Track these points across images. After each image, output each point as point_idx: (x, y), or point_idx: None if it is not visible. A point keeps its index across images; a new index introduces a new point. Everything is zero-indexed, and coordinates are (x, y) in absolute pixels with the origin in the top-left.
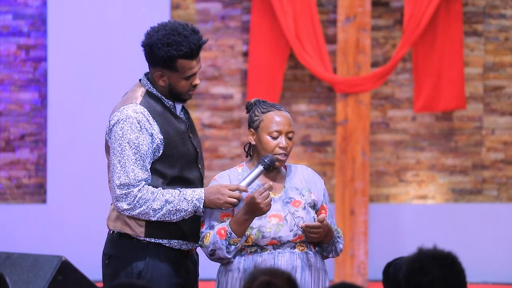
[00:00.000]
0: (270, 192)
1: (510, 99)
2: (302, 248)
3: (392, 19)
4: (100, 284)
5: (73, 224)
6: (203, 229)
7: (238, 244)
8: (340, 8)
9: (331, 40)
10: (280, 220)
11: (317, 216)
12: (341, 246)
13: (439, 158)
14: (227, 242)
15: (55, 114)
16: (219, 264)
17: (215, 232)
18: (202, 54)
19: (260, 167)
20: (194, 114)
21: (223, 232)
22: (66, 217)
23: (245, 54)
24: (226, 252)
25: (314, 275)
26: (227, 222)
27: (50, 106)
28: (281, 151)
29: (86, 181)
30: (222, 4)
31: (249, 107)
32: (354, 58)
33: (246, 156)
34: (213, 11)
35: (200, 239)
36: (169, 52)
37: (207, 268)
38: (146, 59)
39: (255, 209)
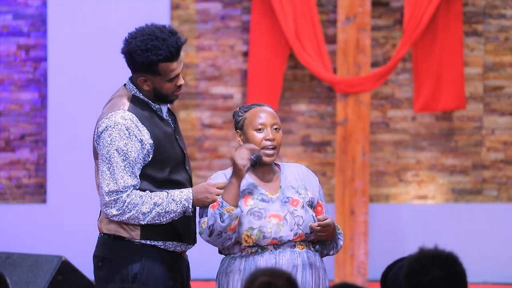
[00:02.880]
0: (267, 192)
1: (510, 99)
2: (302, 247)
3: (392, 19)
4: None
5: (73, 224)
6: (201, 219)
7: (232, 214)
8: (340, 8)
9: (331, 40)
10: (280, 220)
11: (315, 214)
12: (341, 242)
13: (439, 158)
14: (220, 212)
15: (55, 114)
16: (219, 265)
17: (210, 209)
18: (202, 54)
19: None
20: (194, 114)
21: (215, 204)
22: (66, 217)
23: (245, 54)
24: (220, 220)
25: (315, 273)
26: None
27: (50, 106)
28: (268, 143)
29: (86, 181)
30: (222, 4)
31: (234, 114)
32: (354, 58)
33: None
34: (213, 11)
35: (199, 227)
36: (149, 58)
37: (201, 268)
38: (127, 66)
39: (233, 164)
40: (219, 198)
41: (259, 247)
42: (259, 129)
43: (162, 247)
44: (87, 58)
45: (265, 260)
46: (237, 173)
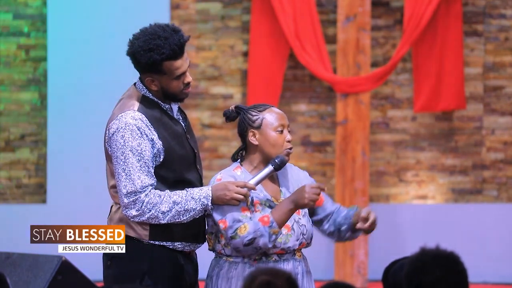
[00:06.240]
0: (273, 198)
1: (510, 99)
2: (300, 254)
3: (392, 19)
4: (100, 284)
5: (73, 224)
6: (229, 224)
7: (276, 236)
8: (340, 8)
9: (331, 40)
10: (288, 230)
11: (314, 216)
12: None
13: (439, 158)
14: (269, 231)
15: (55, 114)
16: (220, 269)
17: (256, 221)
18: (202, 54)
19: (271, 167)
20: (194, 114)
21: (266, 219)
22: (66, 217)
23: (245, 54)
24: (269, 240)
25: (309, 279)
26: (268, 211)
27: (50, 106)
28: (289, 145)
29: (86, 181)
30: (222, 4)
31: (232, 114)
32: (354, 58)
33: (235, 160)
34: (213, 11)
35: (232, 231)
36: (152, 57)
37: (207, 268)
38: (134, 67)
39: (299, 197)
40: (270, 215)
41: (263, 255)
42: (279, 131)
43: (170, 247)
44: (87, 58)
45: None
46: (298, 202)
